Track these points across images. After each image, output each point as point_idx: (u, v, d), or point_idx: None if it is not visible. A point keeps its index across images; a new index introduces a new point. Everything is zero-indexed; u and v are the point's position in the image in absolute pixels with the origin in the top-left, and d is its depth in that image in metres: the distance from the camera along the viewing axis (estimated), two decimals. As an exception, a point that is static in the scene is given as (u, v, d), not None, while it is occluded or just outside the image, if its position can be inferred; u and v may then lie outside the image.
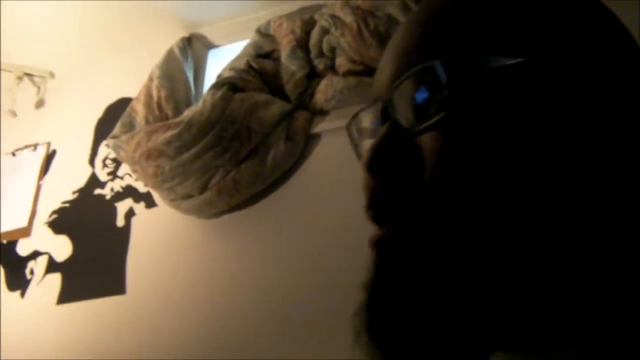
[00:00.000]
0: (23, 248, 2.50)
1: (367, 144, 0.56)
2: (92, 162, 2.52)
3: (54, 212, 2.50)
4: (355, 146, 0.60)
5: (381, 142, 0.48)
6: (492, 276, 0.43)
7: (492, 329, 0.44)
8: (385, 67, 0.54)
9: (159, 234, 2.19)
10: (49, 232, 2.47)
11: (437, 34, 0.50)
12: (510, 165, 0.44)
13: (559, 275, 0.43)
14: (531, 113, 0.45)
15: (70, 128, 2.68)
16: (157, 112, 2.14)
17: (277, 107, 1.99)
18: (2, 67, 2.68)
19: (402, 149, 0.47)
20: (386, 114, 0.51)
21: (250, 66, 2.09)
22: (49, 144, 2.71)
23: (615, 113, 0.46)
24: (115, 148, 2.10)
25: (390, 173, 0.48)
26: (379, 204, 0.49)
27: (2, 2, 2.32)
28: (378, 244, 0.48)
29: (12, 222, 2.57)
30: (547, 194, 0.43)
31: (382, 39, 1.87)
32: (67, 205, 2.48)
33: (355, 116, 0.59)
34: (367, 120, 0.57)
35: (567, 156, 0.44)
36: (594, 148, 0.44)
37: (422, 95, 0.48)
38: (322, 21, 2.02)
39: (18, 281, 2.43)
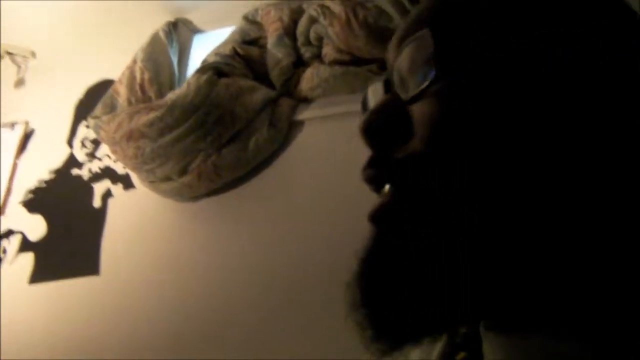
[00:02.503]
0: (-4, 226, 2.47)
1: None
2: (70, 142, 2.49)
3: (30, 191, 2.47)
4: None
5: (374, 112, 0.50)
6: (487, 248, 0.44)
7: (482, 302, 0.45)
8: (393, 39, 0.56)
9: (136, 216, 2.17)
10: (23, 211, 2.44)
11: (438, 11, 0.52)
12: (495, 130, 0.45)
13: (554, 256, 0.43)
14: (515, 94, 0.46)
15: (50, 108, 2.64)
16: (139, 94, 2.13)
17: (262, 93, 1.98)
18: (-18, 45, 2.65)
19: (394, 117, 0.49)
20: (388, 85, 0.53)
21: (236, 52, 2.08)
22: (27, 123, 2.67)
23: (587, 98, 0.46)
24: (96, 128, 2.08)
25: (383, 140, 0.49)
26: (373, 167, 0.50)
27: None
28: (375, 218, 0.49)
29: (-14, 200, 2.54)
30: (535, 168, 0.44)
31: (370, 30, 1.87)
32: (43, 184, 2.45)
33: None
34: (377, 92, 0.58)
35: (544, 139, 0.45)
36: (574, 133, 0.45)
37: (413, 64, 0.50)
38: (310, 10, 2.02)
39: (-10, 260, 2.39)
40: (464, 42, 0.48)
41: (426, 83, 0.47)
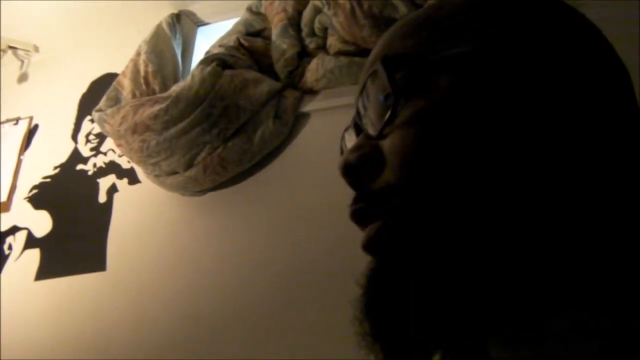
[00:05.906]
0: (2, 223, 2.45)
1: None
2: (74, 137, 2.48)
3: (35, 187, 2.46)
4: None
5: (350, 151, 0.53)
6: (478, 262, 0.45)
7: (479, 315, 0.46)
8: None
9: (142, 211, 2.16)
10: (28, 207, 2.43)
11: (389, 45, 0.55)
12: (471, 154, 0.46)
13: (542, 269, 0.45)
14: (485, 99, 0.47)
15: (54, 103, 2.63)
16: (143, 86, 2.11)
17: (267, 85, 1.96)
18: (-15, 40, 2.64)
19: (368, 153, 0.51)
20: (358, 128, 0.56)
21: (240, 43, 2.07)
22: (31, 118, 2.66)
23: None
24: (100, 121, 2.07)
25: (361, 177, 0.52)
26: (355, 204, 0.52)
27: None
28: (367, 246, 0.51)
29: (-9, 196, 2.53)
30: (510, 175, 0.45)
31: (375, 20, 1.85)
32: (48, 180, 2.44)
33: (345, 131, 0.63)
34: (351, 135, 0.60)
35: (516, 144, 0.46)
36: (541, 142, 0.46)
37: (374, 100, 0.53)
38: (315, 0, 2.00)
39: (-5, 257, 2.38)
40: (416, 69, 0.50)
41: (387, 115, 0.49)
